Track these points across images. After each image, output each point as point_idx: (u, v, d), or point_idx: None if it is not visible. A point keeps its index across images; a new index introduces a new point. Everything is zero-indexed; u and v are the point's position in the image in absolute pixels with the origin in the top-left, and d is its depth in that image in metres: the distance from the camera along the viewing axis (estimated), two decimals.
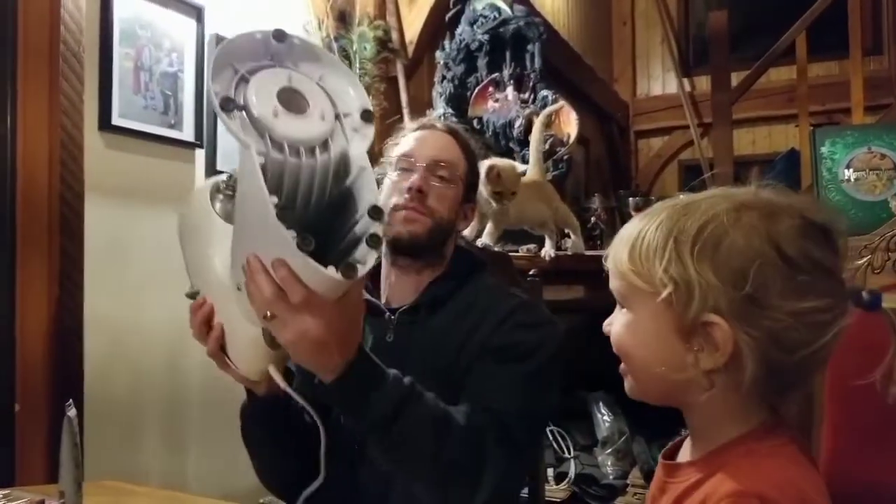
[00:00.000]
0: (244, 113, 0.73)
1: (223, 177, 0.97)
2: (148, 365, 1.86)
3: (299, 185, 0.76)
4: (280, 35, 0.77)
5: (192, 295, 0.95)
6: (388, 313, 1.18)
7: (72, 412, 1.08)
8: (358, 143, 0.80)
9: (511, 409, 1.03)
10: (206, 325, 0.92)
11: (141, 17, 1.86)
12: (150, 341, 1.84)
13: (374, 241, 0.75)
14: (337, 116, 0.79)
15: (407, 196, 1.17)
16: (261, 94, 0.74)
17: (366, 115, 0.80)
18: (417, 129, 1.28)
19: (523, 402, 1.06)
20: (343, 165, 0.79)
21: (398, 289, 1.22)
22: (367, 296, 1.14)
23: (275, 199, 0.70)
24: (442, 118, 2.18)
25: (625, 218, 2.03)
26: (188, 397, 1.94)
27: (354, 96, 0.81)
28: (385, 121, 2.49)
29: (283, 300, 0.75)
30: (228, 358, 0.94)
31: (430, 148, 1.22)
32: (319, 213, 0.79)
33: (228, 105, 0.72)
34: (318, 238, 0.72)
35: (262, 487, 1.20)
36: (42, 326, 1.62)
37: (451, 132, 1.28)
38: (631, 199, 1.99)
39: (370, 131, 0.80)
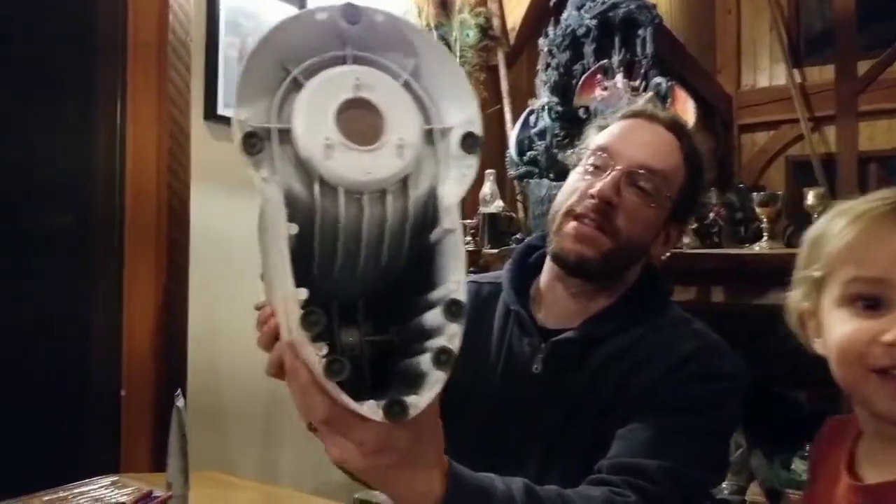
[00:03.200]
0: (290, 142, 0.51)
1: None
2: (248, 358, 1.85)
3: (348, 246, 0.53)
4: (354, 13, 0.53)
5: (261, 305, 0.75)
6: (539, 338, 0.95)
7: (180, 402, 1.06)
8: (452, 184, 0.54)
9: (660, 476, 0.80)
10: (273, 341, 0.74)
11: (245, 8, 1.86)
12: (251, 334, 1.83)
13: (443, 359, 0.51)
14: (429, 134, 0.54)
15: (588, 205, 0.92)
16: (312, 114, 0.51)
17: (469, 142, 0.54)
18: (628, 115, 1.00)
19: (681, 465, 0.82)
20: (424, 214, 0.55)
21: (558, 307, 0.98)
22: (516, 306, 0.98)
23: (303, 294, 0.49)
24: (583, 110, 1.95)
25: (747, 213, 1.87)
26: (284, 392, 1.92)
27: (458, 107, 0.55)
28: (484, 112, 2.42)
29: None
30: None
31: (638, 147, 0.95)
32: (369, 281, 0.57)
33: (252, 145, 0.50)
34: (358, 311, 0.53)
35: (353, 482, 1.14)
36: (149, 315, 1.63)
37: (674, 128, 0.98)
38: (755, 194, 1.84)
39: (471, 167, 0.54)
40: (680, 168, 0.96)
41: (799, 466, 1.72)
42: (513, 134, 2.14)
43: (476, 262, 1.95)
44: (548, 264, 1.00)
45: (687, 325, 0.96)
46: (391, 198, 0.52)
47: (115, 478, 1.19)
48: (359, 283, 0.58)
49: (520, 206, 2.29)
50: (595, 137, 0.98)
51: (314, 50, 0.53)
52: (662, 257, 1.02)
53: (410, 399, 0.51)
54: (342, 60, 0.54)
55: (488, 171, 2.15)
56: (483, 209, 2.12)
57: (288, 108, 0.52)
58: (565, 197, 0.96)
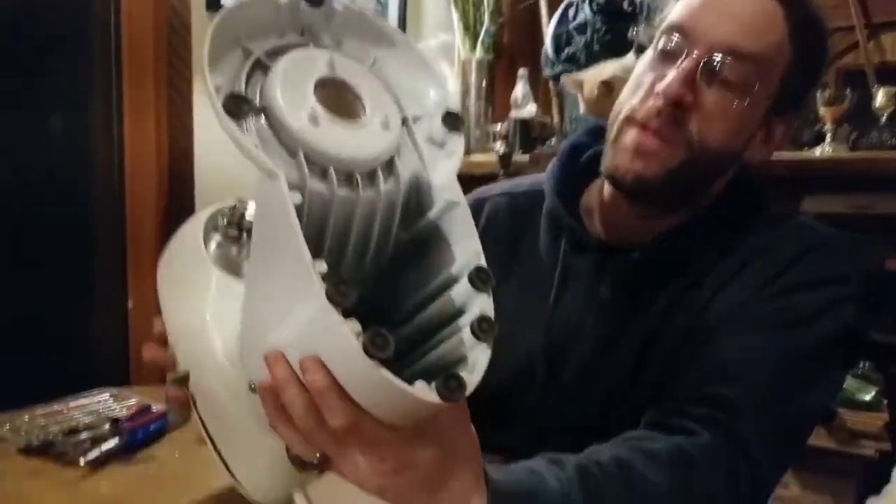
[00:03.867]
0: (264, 119, 0.47)
1: (227, 205, 0.68)
2: None
3: (351, 234, 0.50)
4: None
5: (181, 381, 0.64)
6: (603, 256, 0.78)
7: None
8: (442, 165, 0.53)
9: (747, 403, 0.65)
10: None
11: None
12: None
13: (485, 328, 0.48)
14: (404, 122, 0.53)
15: (652, 107, 0.71)
16: (290, 89, 0.47)
17: (450, 120, 0.53)
18: None
19: (777, 391, 0.67)
20: (418, 197, 0.53)
21: (621, 226, 0.80)
22: (568, 219, 0.79)
23: (322, 267, 0.44)
24: (627, 2, 1.74)
25: (808, 114, 1.69)
26: None
27: (432, 92, 0.55)
28: (517, 6, 2.22)
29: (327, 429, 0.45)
30: (229, 470, 0.64)
31: (722, 22, 0.71)
32: (377, 276, 0.54)
33: (238, 107, 0.46)
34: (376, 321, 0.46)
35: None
36: (155, 225, 1.52)
37: None
38: (819, 93, 1.65)
39: (458, 143, 0.53)
40: (784, 46, 0.72)
41: (852, 385, 1.61)
42: (549, 29, 1.95)
43: (506, 167, 1.79)
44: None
45: (790, 224, 0.78)
46: (381, 177, 0.49)
47: (115, 391, 1.09)
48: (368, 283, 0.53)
49: (555, 109, 2.11)
50: (672, 9, 0.75)
51: (273, 29, 0.51)
52: (763, 159, 0.79)
53: (464, 380, 0.45)
54: (303, 45, 0.51)
55: (521, 70, 1.96)
56: (515, 113, 1.95)
57: (253, 90, 0.48)
58: (627, 95, 0.75)
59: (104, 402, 1.04)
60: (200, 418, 0.66)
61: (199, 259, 0.66)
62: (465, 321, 0.49)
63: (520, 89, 1.95)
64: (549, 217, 0.84)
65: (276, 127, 0.47)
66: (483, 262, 0.50)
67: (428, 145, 0.54)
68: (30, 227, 1.47)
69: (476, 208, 0.88)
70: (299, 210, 0.46)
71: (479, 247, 0.51)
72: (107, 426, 0.90)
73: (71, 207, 1.56)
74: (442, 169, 0.53)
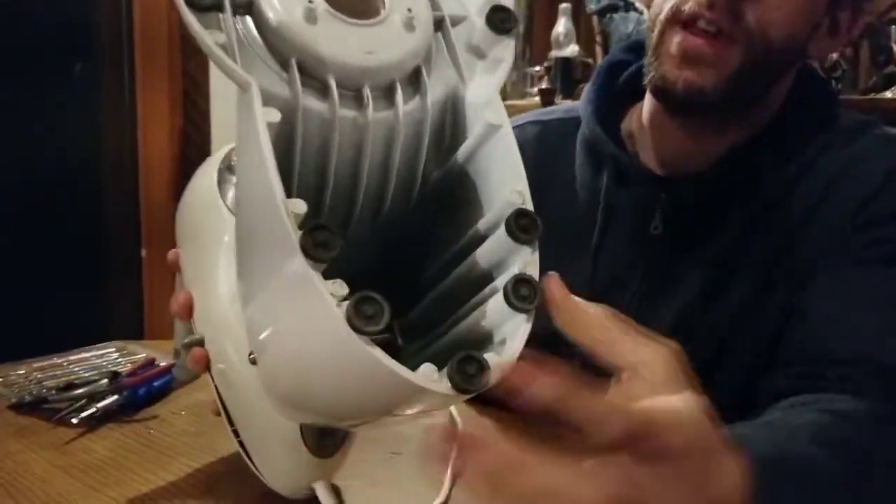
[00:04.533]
0: (250, 19, 0.37)
1: None
2: None
3: (362, 171, 0.40)
4: None
5: (192, 344, 0.57)
6: (653, 187, 0.68)
7: None
8: (481, 80, 0.42)
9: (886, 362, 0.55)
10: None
11: None
12: None
13: (524, 294, 0.36)
14: (439, 24, 0.42)
15: (695, 6, 0.60)
16: None
17: (499, 18, 0.41)
18: None
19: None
20: (454, 123, 0.42)
21: (670, 149, 0.70)
22: (610, 146, 0.69)
23: (299, 207, 0.33)
24: None
25: (882, 54, 1.52)
26: None
27: None
28: None
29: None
30: (245, 450, 0.57)
31: None
32: (395, 223, 0.44)
33: None
34: (392, 280, 0.37)
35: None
36: (166, 162, 1.43)
37: None
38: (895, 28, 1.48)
39: (507, 49, 0.42)
40: None
41: None
42: None
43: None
44: (649, 94, 0.71)
45: (871, 136, 0.66)
46: (401, 94, 0.38)
47: (121, 343, 1.01)
48: (347, 248, 0.36)
49: (599, 48, 1.95)
50: None
51: None
52: (829, 56, 0.71)
53: (488, 365, 0.33)
54: None
55: (563, 5, 1.81)
56: (555, 52, 1.81)
57: None
58: None
59: (108, 357, 0.95)
60: (216, 387, 0.57)
61: (212, 204, 0.58)
62: (502, 283, 0.38)
63: (561, 26, 1.80)
64: (588, 146, 0.73)
65: (264, 28, 0.37)
66: (528, 204, 0.38)
67: (468, 55, 0.42)
68: (42, 179, 1.41)
69: None
70: (280, 132, 0.35)
71: (525, 184, 0.39)
72: (105, 382, 0.81)
73: (83, 154, 1.48)
74: (483, 84, 0.41)
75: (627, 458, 0.31)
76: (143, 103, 1.44)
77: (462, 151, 0.42)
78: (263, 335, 0.39)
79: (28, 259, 1.40)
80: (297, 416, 0.49)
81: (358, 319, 0.30)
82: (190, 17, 0.34)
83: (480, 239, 0.40)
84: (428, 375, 0.32)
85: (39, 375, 0.87)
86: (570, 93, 1.75)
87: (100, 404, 0.77)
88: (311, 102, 0.37)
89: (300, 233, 0.32)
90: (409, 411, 0.35)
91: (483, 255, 0.39)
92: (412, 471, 0.66)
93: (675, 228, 0.67)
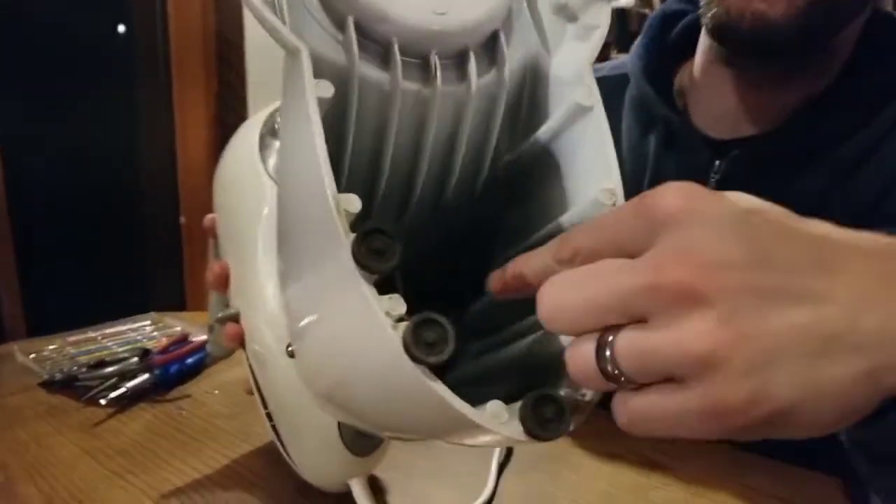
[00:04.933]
0: None
1: None
2: None
3: (424, 151, 0.34)
4: None
5: (227, 319, 0.53)
6: (706, 152, 0.61)
7: None
8: (570, 49, 0.35)
9: None
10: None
11: None
12: None
13: None
14: None
15: None
16: None
17: None
18: None
19: None
20: (532, 98, 0.36)
21: (727, 105, 0.62)
22: (661, 107, 0.62)
23: (353, 205, 0.27)
24: None
25: None
26: None
27: None
28: None
29: None
30: (280, 442, 0.53)
31: None
32: (459, 209, 0.38)
33: None
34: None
35: None
36: (203, 139, 1.39)
37: None
38: None
39: (601, 15, 0.35)
40: None
41: None
42: None
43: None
44: (704, 41, 0.63)
45: None
46: (472, 65, 0.32)
47: (157, 316, 0.98)
48: (406, 233, 0.32)
49: None
50: None
51: None
52: None
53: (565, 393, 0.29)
54: None
55: None
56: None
57: None
58: None
59: (142, 331, 0.92)
60: (250, 366, 0.52)
61: (252, 171, 0.53)
62: None
63: None
64: (636, 106, 0.66)
65: None
66: (620, 200, 0.32)
67: (554, 17, 0.36)
68: (82, 150, 1.39)
69: None
70: (332, 107, 0.29)
71: (618, 181, 0.33)
72: (135, 360, 0.77)
73: (120, 124, 1.46)
74: (571, 54, 0.35)
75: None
76: (178, 71, 1.40)
77: (544, 131, 0.36)
78: (303, 324, 0.34)
79: (68, 231, 1.40)
80: (336, 416, 0.44)
81: (417, 348, 0.25)
82: None
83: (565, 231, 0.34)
84: (496, 415, 0.27)
85: (72, 351, 0.85)
86: (626, 47, 1.64)
87: (130, 384, 0.74)
88: (370, 71, 0.31)
89: (353, 236, 0.26)
90: (466, 442, 0.29)
91: None
92: (453, 461, 0.61)
93: None
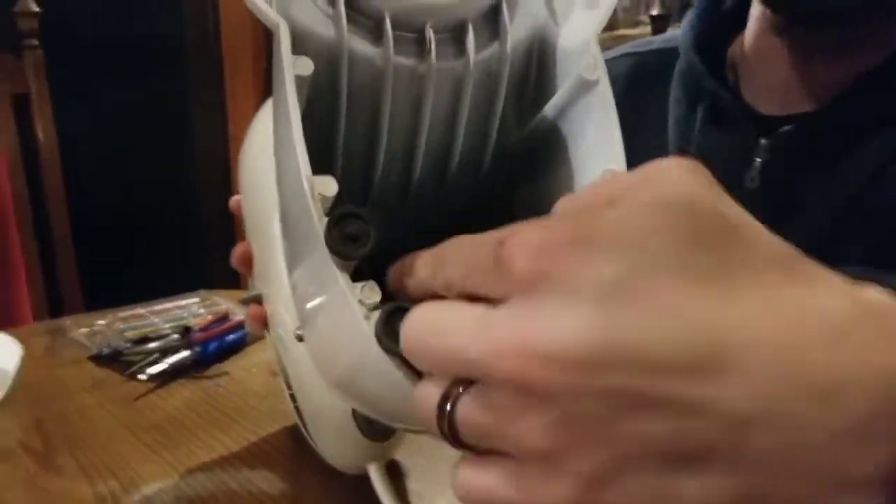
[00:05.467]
0: None
1: None
2: None
3: (421, 129, 0.33)
4: None
5: (251, 301, 0.54)
6: (754, 130, 0.57)
7: None
8: (579, 18, 0.34)
9: None
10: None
11: None
12: None
13: None
14: None
15: None
16: None
17: None
18: None
19: None
20: (536, 68, 0.35)
21: (779, 78, 0.58)
22: (708, 80, 0.59)
23: (328, 188, 0.26)
24: None
25: None
26: None
27: None
28: None
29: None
30: (304, 426, 0.53)
31: None
32: (466, 188, 0.37)
33: None
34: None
35: None
36: (252, 97, 1.41)
37: None
38: None
39: None
40: None
41: None
42: None
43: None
44: (756, 8, 0.59)
45: None
46: (471, 38, 0.31)
47: (205, 293, 1.00)
48: (409, 217, 0.36)
49: None
50: None
51: None
52: None
53: None
54: None
55: None
56: None
57: None
58: None
59: (189, 308, 0.94)
60: (276, 347, 0.53)
61: (269, 151, 0.53)
62: None
63: None
64: (684, 79, 0.62)
65: None
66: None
67: None
68: (140, 132, 1.43)
69: None
70: (324, 81, 0.29)
71: (622, 161, 0.31)
72: (176, 336, 0.79)
73: (176, 108, 1.49)
74: (579, 24, 0.34)
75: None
76: (229, 62, 1.43)
77: (550, 106, 0.34)
78: (302, 309, 0.33)
79: (128, 211, 1.45)
80: (343, 400, 0.44)
81: (388, 339, 0.25)
82: None
83: None
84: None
85: (121, 326, 0.87)
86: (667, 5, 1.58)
87: (171, 360, 0.75)
88: (361, 46, 0.30)
89: (325, 220, 0.26)
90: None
91: None
92: None
93: (776, 183, 0.55)
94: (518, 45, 0.33)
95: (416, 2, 0.30)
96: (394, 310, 0.25)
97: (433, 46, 0.30)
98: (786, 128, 0.55)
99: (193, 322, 0.84)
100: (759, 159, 0.56)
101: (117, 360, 0.78)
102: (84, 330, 0.86)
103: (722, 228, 0.21)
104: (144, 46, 1.47)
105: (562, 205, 0.25)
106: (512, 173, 0.38)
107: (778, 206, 0.55)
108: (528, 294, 0.21)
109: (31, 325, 1.05)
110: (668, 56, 0.66)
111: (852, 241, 0.52)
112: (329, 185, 0.27)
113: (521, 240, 0.21)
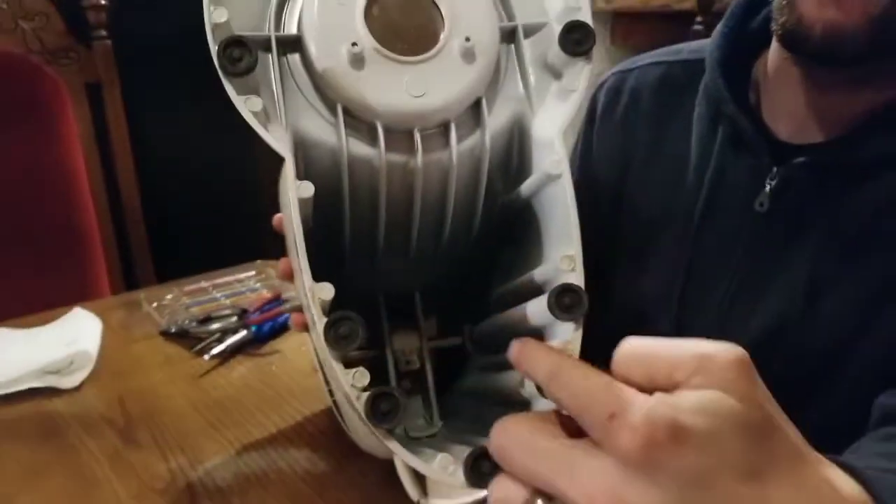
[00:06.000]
0: (299, 57, 0.37)
1: None
2: None
3: (395, 212, 0.40)
4: None
5: (294, 309, 0.62)
6: (769, 158, 0.59)
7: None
8: (551, 107, 0.39)
9: None
10: None
11: None
12: None
13: (567, 302, 0.35)
14: (510, 36, 0.39)
15: None
16: (327, 12, 0.35)
17: (574, 39, 0.37)
18: None
19: None
20: (517, 146, 0.40)
21: (797, 106, 0.59)
22: (729, 105, 0.60)
23: (325, 293, 0.34)
24: None
25: None
26: None
27: None
28: None
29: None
30: (339, 414, 0.59)
31: None
32: (428, 263, 0.45)
33: (232, 58, 0.34)
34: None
35: None
36: None
37: None
38: None
39: (579, 77, 0.38)
40: None
41: None
42: None
43: (706, 11, 1.47)
44: (774, 41, 0.60)
45: None
46: (456, 134, 0.37)
47: (261, 265, 1.09)
48: (413, 268, 0.44)
49: None
50: None
51: None
52: None
53: None
54: None
55: None
56: None
57: (289, 12, 0.37)
58: None
59: (247, 282, 1.04)
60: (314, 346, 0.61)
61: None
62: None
63: None
64: (708, 96, 0.64)
65: (311, 69, 0.36)
66: (579, 272, 0.35)
67: (542, 72, 0.39)
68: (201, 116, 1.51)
69: (616, 85, 0.71)
70: (330, 174, 0.36)
71: (578, 248, 0.36)
72: (234, 318, 0.89)
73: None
74: (550, 115, 0.38)
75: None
76: None
77: (525, 187, 0.40)
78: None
79: (192, 188, 1.55)
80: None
81: (374, 417, 0.32)
82: (227, 85, 0.34)
83: (535, 289, 0.38)
84: (444, 468, 0.33)
85: (186, 301, 0.97)
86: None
87: (230, 340, 0.85)
88: (359, 148, 0.36)
89: (324, 320, 0.33)
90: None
91: (533, 311, 0.37)
92: None
93: (784, 210, 0.57)
94: (499, 130, 0.39)
95: (402, 113, 0.36)
96: (379, 394, 0.32)
97: (420, 146, 0.36)
98: (799, 159, 0.57)
99: (249, 301, 0.94)
100: (770, 184, 0.59)
101: (185, 337, 0.88)
102: (154, 304, 0.96)
103: (771, 432, 0.27)
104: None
105: (628, 368, 0.29)
106: (500, 233, 0.44)
107: (784, 231, 0.58)
108: (625, 468, 0.26)
109: (108, 297, 1.17)
110: (695, 67, 0.67)
111: (855, 273, 0.55)
112: (326, 290, 0.33)
113: (630, 424, 0.26)
